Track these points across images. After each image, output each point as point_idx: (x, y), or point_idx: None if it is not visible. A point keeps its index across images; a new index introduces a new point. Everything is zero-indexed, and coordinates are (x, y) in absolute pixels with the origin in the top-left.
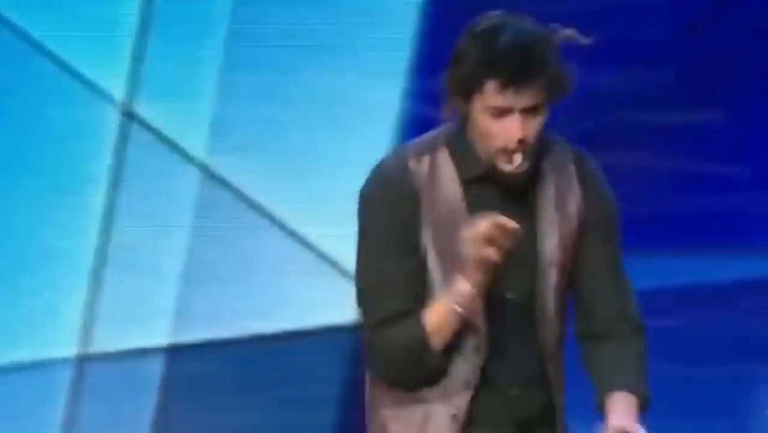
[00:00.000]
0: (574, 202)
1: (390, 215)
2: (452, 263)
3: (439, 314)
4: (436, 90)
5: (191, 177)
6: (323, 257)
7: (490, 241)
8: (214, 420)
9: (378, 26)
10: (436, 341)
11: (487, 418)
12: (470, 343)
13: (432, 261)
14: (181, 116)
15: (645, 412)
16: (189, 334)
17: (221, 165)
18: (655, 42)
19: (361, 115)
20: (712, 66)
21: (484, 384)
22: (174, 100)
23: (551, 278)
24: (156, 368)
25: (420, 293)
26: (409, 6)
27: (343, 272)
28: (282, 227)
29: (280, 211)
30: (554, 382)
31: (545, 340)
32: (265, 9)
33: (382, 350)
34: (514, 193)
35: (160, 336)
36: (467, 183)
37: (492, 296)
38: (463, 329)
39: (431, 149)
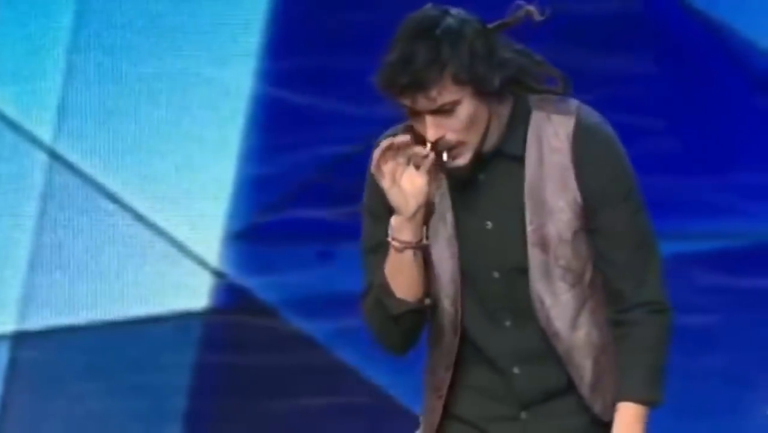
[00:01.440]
0: (565, 176)
1: (371, 195)
2: (433, 241)
3: (388, 259)
4: (287, 71)
5: (38, 161)
6: (172, 241)
7: (388, 160)
8: (62, 407)
9: (229, 8)
10: (395, 285)
11: (492, 393)
12: (448, 326)
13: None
14: (27, 100)
15: (656, 408)
16: (36, 320)
17: (68, 149)
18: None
19: (211, 96)
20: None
21: (486, 363)
22: (20, 84)
23: (541, 257)
24: (2, 355)
25: None
26: None
27: (192, 257)
28: (130, 211)
29: (128, 195)
30: (570, 358)
31: (546, 318)
32: None
33: (366, 316)
34: (493, 168)
35: (6, 323)
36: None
37: (479, 277)
38: (444, 309)
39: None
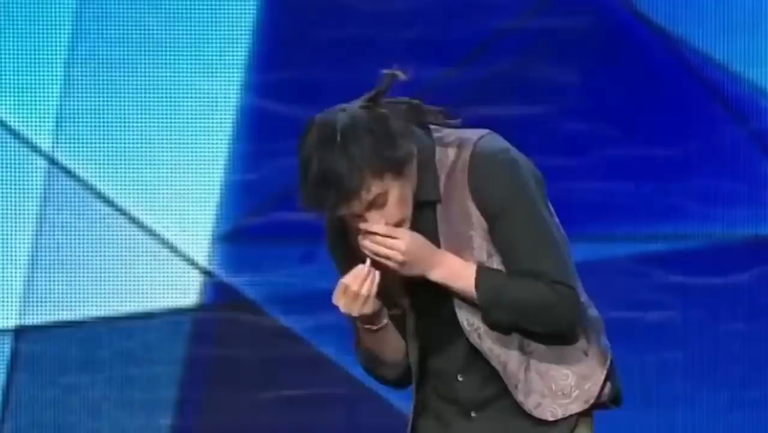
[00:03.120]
0: (470, 209)
1: (332, 242)
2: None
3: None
4: (272, 83)
5: (38, 167)
6: (164, 242)
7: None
8: (60, 396)
9: (217, 24)
10: (379, 352)
11: (436, 406)
12: (412, 343)
13: None
14: (28, 109)
15: (482, 307)
16: (36, 316)
17: (66, 156)
18: (474, 39)
19: (200, 107)
20: (536, 61)
21: (433, 377)
22: (21, 94)
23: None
24: (5, 349)
25: None
26: (247, 1)
27: (182, 257)
28: (124, 214)
29: (123, 199)
30: (504, 370)
31: (478, 337)
32: (106, 6)
33: (358, 357)
34: (417, 225)
35: (8, 318)
36: None
37: (425, 307)
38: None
39: None
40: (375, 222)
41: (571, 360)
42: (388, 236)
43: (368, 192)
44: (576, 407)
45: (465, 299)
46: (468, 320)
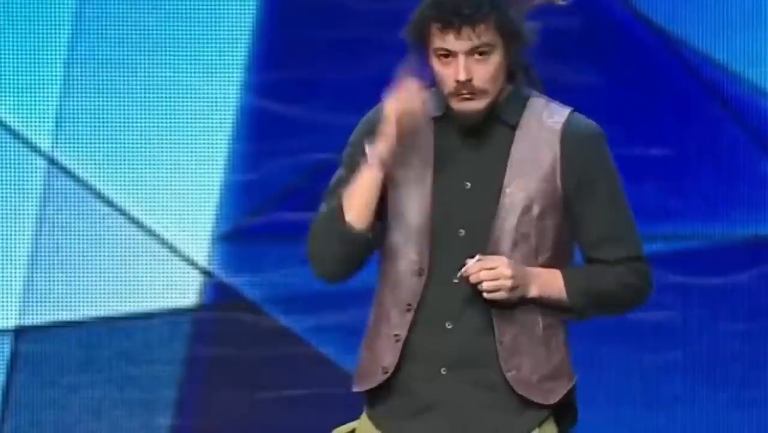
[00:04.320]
0: (549, 161)
1: (364, 134)
2: (407, 197)
3: (355, 182)
4: (272, 83)
5: (37, 167)
6: (163, 242)
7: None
8: (60, 396)
9: (216, 24)
10: (350, 204)
11: (421, 349)
12: (414, 267)
13: (391, 189)
14: (27, 109)
15: (569, 312)
16: (36, 316)
17: (66, 156)
18: None
19: (200, 106)
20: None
21: (423, 312)
22: (21, 95)
23: (509, 222)
24: (5, 349)
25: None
26: (247, 1)
27: (182, 257)
28: (124, 214)
29: (122, 199)
30: (502, 327)
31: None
32: (106, 6)
33: (310, 236)
34: (485, 134)
35: (8, 318)
36: (436, 120)
37: (444, 232)
38: (408, 253)
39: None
40: (464, 69)
41: (555, 354)
42: (484, 268)
43: (483, 33)
44: (542, 399)
45: (500, 236)
46: None
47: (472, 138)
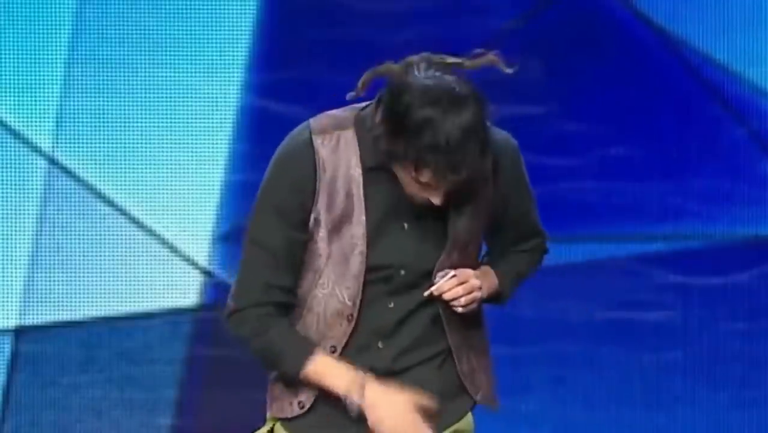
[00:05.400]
0: (486, 193)
1: (288, 186)
2: (339, 243)
3: (336, 375)
4: (272, 83)
5: (38, 167)
6: (164, 242)
7: None
8: (60, 396)
9: (217, 24)
10: (304, 378)
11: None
12: (345, 312)
13: (321, 235)
14: (28, 109)
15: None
16: (36, 316)
17: (66, 155)
18: (473, 40)
19: (200, 106)
20: (536, 61)
21: (345, 352)
22: (21, 95)
23: (453, 259)
24: (5, 349)
25: (297, 265)
26: (247, 1)
27: (182, 257)
28: (124, 214)
29: (123, 199)
30: (453, 328)
31: (444, 311)
32: (106, 6)
33: (259, 339)
34: None
35: (8, 318)
36: (368, 169)
37: (381, 276)
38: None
39: (339, 128)
40: (444, 198)
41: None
42: (460, 283)
43: (464, 178)
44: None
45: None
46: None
47: (399, 187)
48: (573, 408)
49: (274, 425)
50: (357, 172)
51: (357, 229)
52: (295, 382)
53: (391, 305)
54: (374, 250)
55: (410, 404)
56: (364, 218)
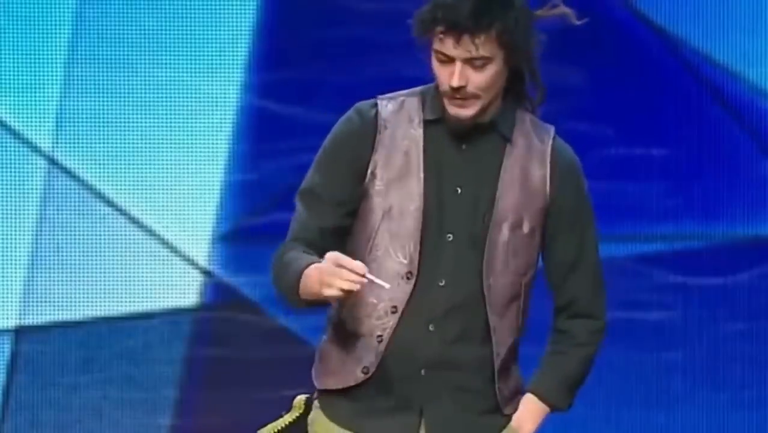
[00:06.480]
0: (539, 179)
1: (348, 136)
2: (397, 198)
3: (311, 279)
4: (271, 83)
5: (38, 167)
6: (163, 242)
7: (334, 274)
8: (60, 396)
9: (216, 24)
10: (303, 293)
11: (403, 350)
12: (402, 270)
13: (377, 187)
14: (28, 109)
15: (559, 410)
16: (36, 316)
17: (66, 156)
18: None
19: (200, 106)
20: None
21: (407, 314)
22: (21, 95)
23: (503, 235)
24: (5, 349)
25: (341, 215)
26: (247, 1)
27: (182, 257)
28: (124, 214)
29: (123, 199)
30: (498, 334)
31: (490, 289)
32: (106, 6)
33: (274, 262)
34: (477, 143)
35: (8, 318)
36: (429, 124)
37: (433, 235)
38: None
39: (405, 95)
40: (459, 76)
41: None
42: None
43: (482, 44)
44: (511, 410)
45: (497, 266)
46: (487, 270)
47: (464, 144)
48: (573, 408)
49: (302, 409)
50: (418, 132)
51: (415, 186)
52: (351, 346)
53: (442, 282)
54: (428, 211)
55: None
56: (422, 175)
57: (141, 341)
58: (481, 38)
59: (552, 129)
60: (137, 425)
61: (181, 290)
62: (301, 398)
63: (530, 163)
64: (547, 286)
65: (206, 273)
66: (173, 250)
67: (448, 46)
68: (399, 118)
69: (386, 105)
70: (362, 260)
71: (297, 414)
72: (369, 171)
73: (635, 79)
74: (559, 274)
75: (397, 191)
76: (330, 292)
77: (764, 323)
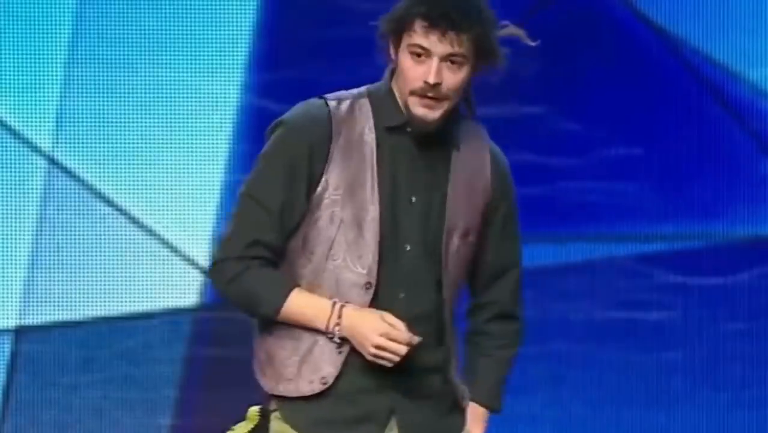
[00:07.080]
0: (481, 186)
1: (297, 143)
2: (351, 205)
3: (314, 307)
4: (272, 83)
5: (38, 167)
6: (164, 242)
7: (388, 338)
8: (60, 396)
9: (217, 24)
10: (284, 317)
11: (363, 359)
12: (361, 280)
13: (332, 197)
14: (28, 109)
15: (495, 413)
16: (36, 316)
17: (66, 156)
18: None
19: (200, 106)
20: (536, 61)
21: None
22: (21, 95)
23: (453, 244)
24: (5, 349)
25: (289, 229)
26: (247, 2)
27: (182, 257)
28: (124, 214)
29: (123, 199)
30: (449, 336)
31: (447, 297)
32: (106, 6)
33: (235, 284)
34: (428, 150)
35: (8, 318)
36: (383, 131)
37: (390, 246)
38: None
39: (354, 96)
40: (437, 72)
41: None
42: None
43: (463, 44)
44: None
45: (450, 274)
46: (446, 280)
47: (416, 151)
48: (573, 408)
49: (256, 421)
50: (371, 137)
51: (369, 196)
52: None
53: (402, 295)
54: (385, 221)
55: (384, 316)
56: (377, 185)
57: (141, 341)
58: (464, 37)
59: (485, 131)
60: (137, 425)
61: (181, 290)
62: (254, 409)
63: (473, 170)
64: (466, 284)
65: (206, 273)
66: (173, 250)
67: (431, 40)
68: (351, 123)
69: (337, 106)
70: (320, 270)
71: (251, 426)
72: (324, 179)
73: (635, 79)
74: (487, 276)
75: (352, 201)
76: (380, 361)
77: (764, 323)
